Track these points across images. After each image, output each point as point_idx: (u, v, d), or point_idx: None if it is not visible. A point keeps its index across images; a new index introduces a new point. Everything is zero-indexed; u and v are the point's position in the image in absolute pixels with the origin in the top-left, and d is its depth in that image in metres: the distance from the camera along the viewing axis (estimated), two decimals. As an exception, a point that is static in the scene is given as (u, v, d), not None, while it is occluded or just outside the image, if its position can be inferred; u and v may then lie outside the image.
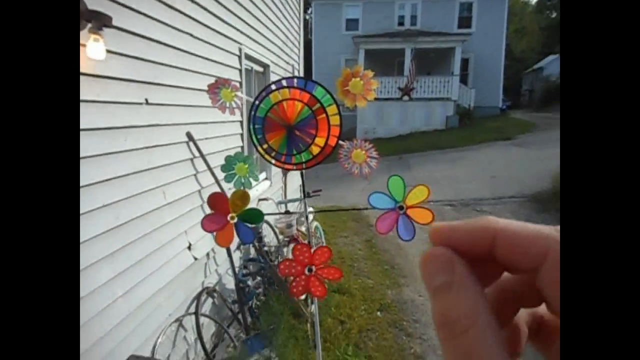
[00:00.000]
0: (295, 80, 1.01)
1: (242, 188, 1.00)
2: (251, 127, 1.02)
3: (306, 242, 0.97)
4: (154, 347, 2.12)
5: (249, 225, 0.92)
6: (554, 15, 21.89)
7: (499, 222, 0.21)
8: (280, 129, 1.01)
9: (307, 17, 21.61)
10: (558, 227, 0.20)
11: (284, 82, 1.01)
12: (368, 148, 1.08)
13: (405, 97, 15.59)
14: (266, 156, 1.04)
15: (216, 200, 0.90)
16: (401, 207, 0.81)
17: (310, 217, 4.62)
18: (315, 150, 1.03)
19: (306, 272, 0.99)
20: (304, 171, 0.99)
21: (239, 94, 1.06)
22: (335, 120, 1.01)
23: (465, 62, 17.46)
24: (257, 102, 1.02)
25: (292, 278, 0.99)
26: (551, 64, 27.19)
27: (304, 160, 1.04)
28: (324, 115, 1.00)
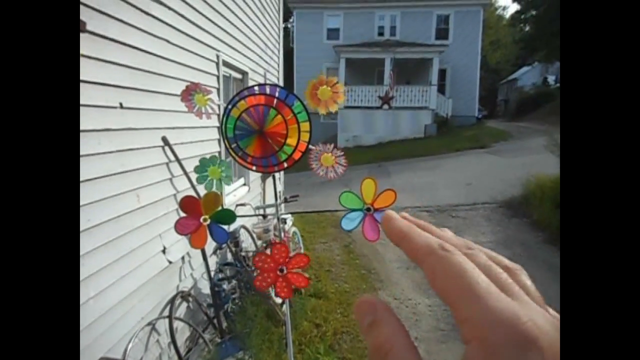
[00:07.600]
0: (277, 89, 1.06)
1: (212, 190, 1.04)
2: (223, 129, 1.07)
3: (279, 243, 1.01)
4: (125, 350, 2.12)
5: (224, 226, 0.96)
6: (527, 28, 22.85)
7: (407, 231, 0.27)
8: (251, 133, 1.06)
9: (289, 25, 21.75)
10: (440, 241, 0.25)
11: (267, 89, 1.07)
12: (332, 149, 1.14)
13: (385, 106, 15.86)
14: (238, 159, 1.09)
15: (188, 204, 0.94)
16: (369, 209, 0.87)
17: (290, 222, 4.66)
18: (285, 156, 1.08)
19: (278, 271, 1.04)
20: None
21: (213, 98, 1.11)
22: (305, 136, 1.07)
23: (442, 73, 17.93)
24: (229, 107, 1.07)
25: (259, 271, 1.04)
26: (525, 75, 28.16)
27: (275, 163, 1.09)
28: (295, 125, 1.06)
